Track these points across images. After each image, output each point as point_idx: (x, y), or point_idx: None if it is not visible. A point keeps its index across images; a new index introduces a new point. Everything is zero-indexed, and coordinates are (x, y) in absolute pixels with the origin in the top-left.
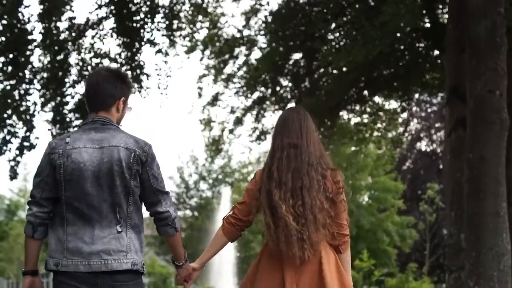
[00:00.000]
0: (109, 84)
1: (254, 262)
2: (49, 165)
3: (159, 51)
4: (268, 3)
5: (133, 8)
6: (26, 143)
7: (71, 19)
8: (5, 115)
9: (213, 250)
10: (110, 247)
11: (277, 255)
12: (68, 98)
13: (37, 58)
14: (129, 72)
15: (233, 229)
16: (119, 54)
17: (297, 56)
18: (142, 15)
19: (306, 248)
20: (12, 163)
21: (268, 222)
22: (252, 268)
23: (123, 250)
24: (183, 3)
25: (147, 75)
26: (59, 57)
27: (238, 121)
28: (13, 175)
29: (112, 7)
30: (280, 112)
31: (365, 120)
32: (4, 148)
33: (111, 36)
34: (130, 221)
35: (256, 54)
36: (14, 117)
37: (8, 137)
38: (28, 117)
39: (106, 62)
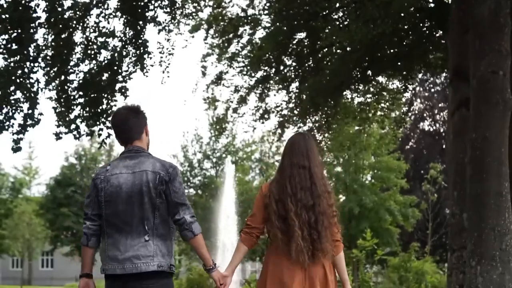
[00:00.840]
0: (134, 118)
1: (264, 264)
2: (95, 189)
3: (163, 29)
4: None
5: None
6: (29, 121)
7: None
8: (9, 91)
9: (237, 259)
10: (139, 253)
11: (285, 258)
12: (72, 77)
13: (42, 36)
14: (133, 51)
15: (250, 237)
16: (124, 33)
17: (301, 35)
18: None
19: (317, 256)
20: (15, 137)
21: (277, 232)
22: (263, 270)
23: (150, 255)
24: None
25: (149, 53)
26: (64, 36)
27: (242, 100)
28: (16, 148)
29: None
30: (284, 91)
31: (369, 100)
32: (8, 123)
33: (115, 15)
34: (156, 231)
35: (260, 33)
36: (18, 93)
37: (11, 113)
38: (32, 94)
39: (110, 41)
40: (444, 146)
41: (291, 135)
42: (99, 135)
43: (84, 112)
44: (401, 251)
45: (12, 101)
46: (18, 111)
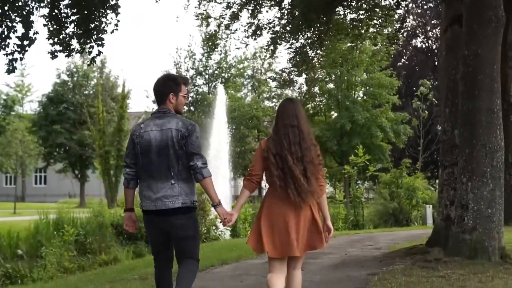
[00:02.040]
0: (162, 86)
1: (261, 205)
2: (132, 143)
3: None
4: None
5: None
6: (26, 41)
7: None
8: (1, 11)
9: (242, 201)
10: (167, 194)
11: (280, 198)
12: None
13: None
14: None
15: (250, 183)
16: None
17: None
18: None
19: (307, 197)
20: (10, 57)
21: (275, 178)
22: (260, 209)
23: (176, 195)
24: None
25: None
26: None
27: (234, 17)
28: (11, 69)
29: None
30: (276, 8)
31: (361, 16)
32: (3, 43)
33: None
34: (180, 176)
35: None
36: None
37: (6, 32)
38: (25, 13)
39: None
40: (436, 63)
41: (282, 101)
42: (89, 52)
43: (77, 29)
44: (392, 167)
45: (7, 21)
46: (13, 31)
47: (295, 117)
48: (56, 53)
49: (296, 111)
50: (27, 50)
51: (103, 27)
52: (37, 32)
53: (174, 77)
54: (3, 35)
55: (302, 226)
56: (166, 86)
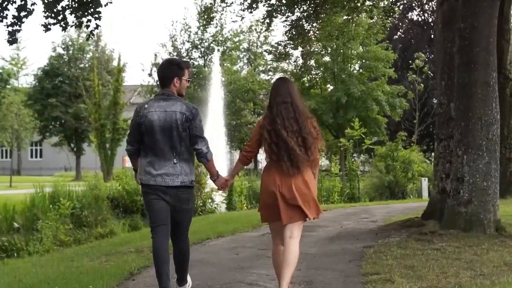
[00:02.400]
0: (166, 70)
1: (261, 174)
2: (136, 123)
3: None
4: None
5: None
6: (23, 12)
7: None
8: None
9: (236, 171)
10: (168, 172)
11: (274, 170)
12: None
13: None
14: None
15: (245, 159)
16: None
17: None
18: None
19: (303, 166)
20: (11, 29)
21: (271, 152)
22: (261, 178)
23: (176, 174)
24: None
25: None
26: None
27: None
28: (13, 40)
29: None
30: None
31: None
32: (1, 14)
33: None
34: (182, 156)
35: None
36: None
37: (4, 4)
38: None
39: None
40: (432, 36)
41: (274, 81)
42: (87, 26)
43: (73, 2)
44: (388, 140)
45: None
46: (11, 2)
47: (288, 94)
48: (49, 26)
49: (289, 89)
50: (23, 22)
51: (98, 1)
52: (34, 3)
53: (178, 62)
54: (2, 6)
55: (296, 195)
56: (171, 70)
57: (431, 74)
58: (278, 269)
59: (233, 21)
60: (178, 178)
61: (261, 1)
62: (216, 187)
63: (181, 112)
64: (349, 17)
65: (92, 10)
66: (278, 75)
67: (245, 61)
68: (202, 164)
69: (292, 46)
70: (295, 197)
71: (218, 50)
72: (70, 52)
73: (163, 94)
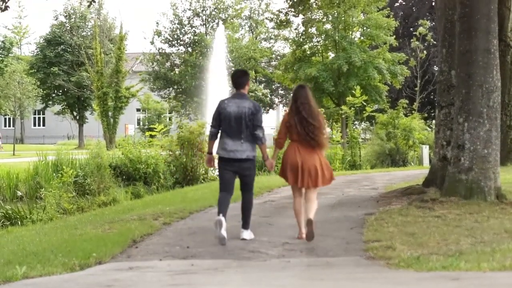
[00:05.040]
0: (241, 78)
1: (284, 151)
2: (218, 113)
3: None
4: None
5: None
6: None
7: None
8: None
9: (275, 154)
10: (237, 149)
11: (297, 146)
12: None
13: None
14: None
15: (279, 144)
16: None
17: None
18: None
19: (322, 141)
20: None
21: (297, 133)
22: (284, 153)
23: (243, 150)
24: None
25: None
26: None
27: None
28: (4, 8)
29: None
30: None
31: None
32: None
33: None
34: (247, 138)
35: None
36: None
37: None
38: None
39: None
40: (433, 3)
41: (295, 87)
42: None
43: None
44: (389, 108)
45: None
46: None
47: (306, 98)
48: None
49: (307, 93)
50: None
51: None
52: None
53: (246, 72)
54: None
55: (312, 167)
56: (244, 79)
57: (434, 42)
58: (298, 216)
59: None
60: (245, 153)
61: None
62: (267, 169)
63: (248, 108)
64: None
65: None
66: (279, 43)
67: (247, 29)
68: (258, 145)
69: (294, 13)
70: (313, 168)
71: (220, 17)
72: (72, 20)
73: (238, 94)
